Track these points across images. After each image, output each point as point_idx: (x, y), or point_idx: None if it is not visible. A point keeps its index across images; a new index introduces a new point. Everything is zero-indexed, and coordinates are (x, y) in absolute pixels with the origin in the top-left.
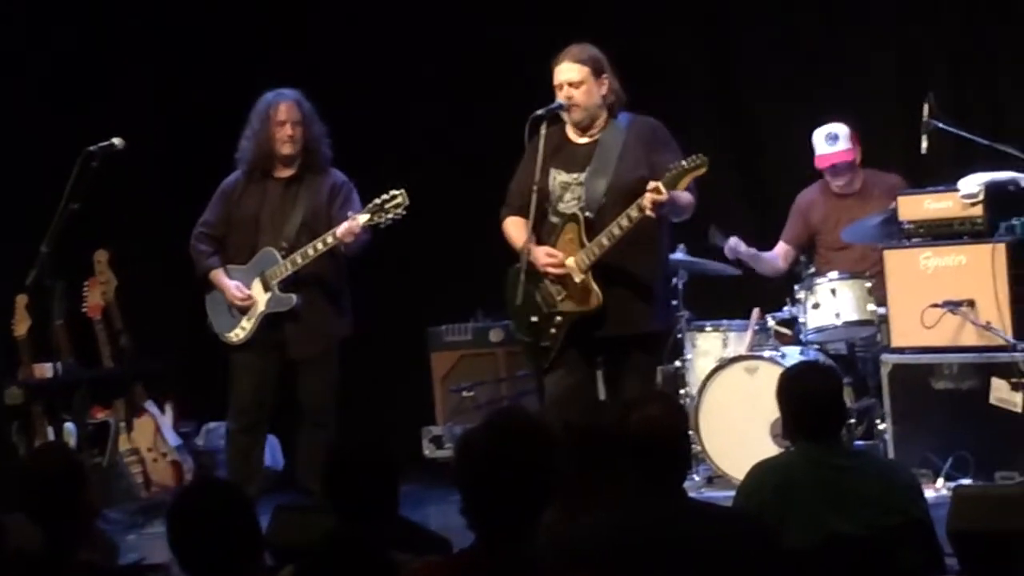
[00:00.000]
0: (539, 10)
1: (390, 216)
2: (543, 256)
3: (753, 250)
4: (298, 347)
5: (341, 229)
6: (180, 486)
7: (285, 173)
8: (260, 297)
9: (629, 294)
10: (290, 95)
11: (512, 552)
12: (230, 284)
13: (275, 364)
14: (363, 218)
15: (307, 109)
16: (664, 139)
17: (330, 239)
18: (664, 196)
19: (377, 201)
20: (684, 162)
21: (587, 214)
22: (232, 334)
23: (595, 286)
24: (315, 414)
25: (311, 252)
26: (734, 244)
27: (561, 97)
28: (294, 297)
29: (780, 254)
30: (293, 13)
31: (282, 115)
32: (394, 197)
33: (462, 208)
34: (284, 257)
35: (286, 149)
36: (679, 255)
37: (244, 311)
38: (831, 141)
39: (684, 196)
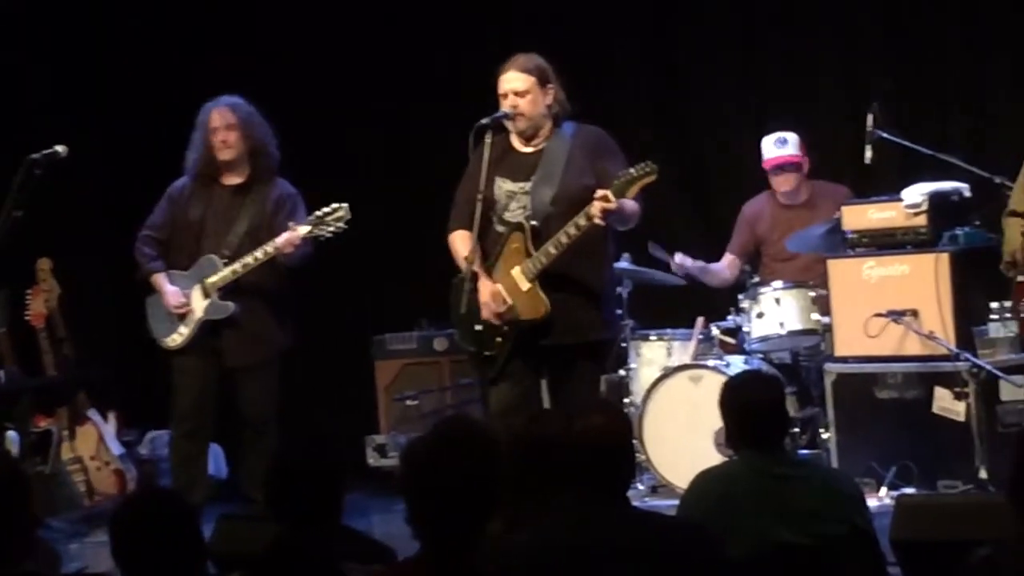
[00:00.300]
0: (483, 21)
1: (331, 229)
2: (488, 296)
3: (700, 263)
4: (235, 355)
5: (280, 240)
6: (123, 495)
7: (233, 180)
8: (199, 304)
9: (576, 302)
10: (225, 101)
11: (457, 561)
12: (169, 290)
13: (214, 370)
14: (303, 229)
15: (245, 113)
16: (609, 148)
17: (270, 249)
18: (613, 204)
19: (319, 213)
20: (633, 170)
21: (533, 223)
22: (169, 339)
23: (542, 294)
24: (254, 423)
25: (251, 261)
26: (680, 260)
27: (506, 106)
28: (231, 305)
29: (727, 265)
30: (240, 22)
31: (215, 122)
32: (336, 210)
33: (407, 217)
34: (225, 265)
35: (224, 155)
36: (624, 264)
37: (182, 317)
38: (780, 144)
39: (630, 205)
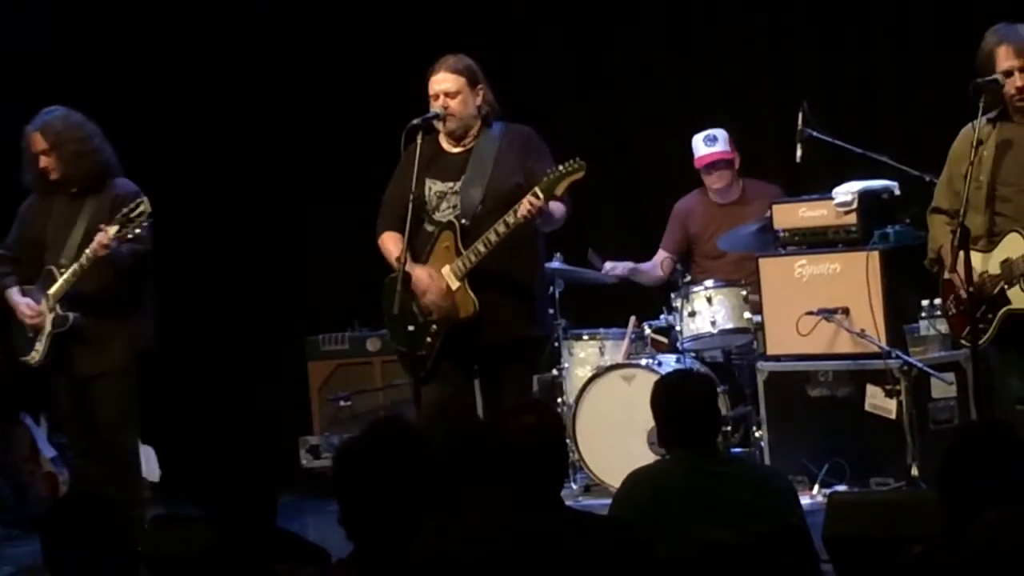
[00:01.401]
0: (413, 21)
1: (134, 226)
2: (425, 280)
3: (630, 264)
4: (81, 366)
5: (94, 243)
6: (55, 498)
7: (70, 189)
8: (47, 318)
9: (506, 301)
10: (38, 122)
11: (390, 562)
12: (20, 301)
13: (75, 384)
14: (112, 230)
15: (54, 133)
16: (538, 146)
17: (89, 254)
18: (542, 201)
19: (124, 211)
20: (561, 167)
21: (463, 222)
22: (29, 357)
23: (471, 293)
24: (102, 430)
25: (78, 269)
26: (608, 268)
27: (437, 107)
28: (71, 316)
29: (659, 262)
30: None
31: (32, 147)
32: (138, 205)
33: (339, 218)
34: (61, 275)
35: (51, 176)
36: (556, 264)
37: (37, 331)
38: (710, 142)
39: (557, 206)
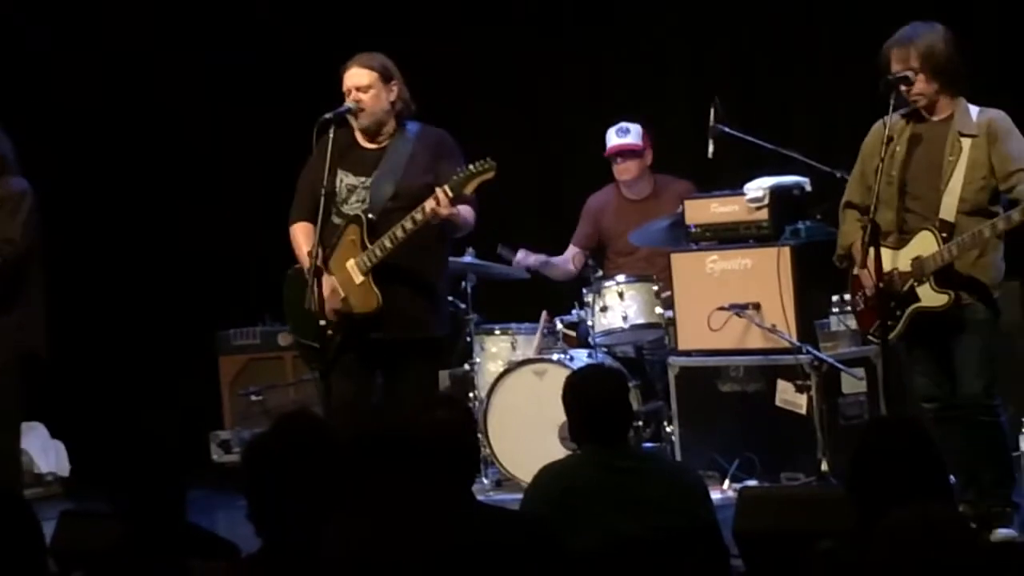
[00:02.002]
0: (327, 16)
1: None
2: (328, 292)
3: (542, 257)
4: None
5: None
6: None
7: None
8: None
9: (410, 298)
10: None
11: (299, 557)
12: None
13: None
14: None
15: None
16: (451, 149)
17: None
18: (450, 198)
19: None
20: (472, 166)
21: (370, 216)
22: None
23: (375, 288)
24: None
25: None
26: (521, 258)
27: (349, 101)
28: None
29: (570, 257)
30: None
31: None
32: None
33: (248, 212)
34: None
35: None
36: (468, 258)
37: None
38: (622, 133)
39: (467, 210)
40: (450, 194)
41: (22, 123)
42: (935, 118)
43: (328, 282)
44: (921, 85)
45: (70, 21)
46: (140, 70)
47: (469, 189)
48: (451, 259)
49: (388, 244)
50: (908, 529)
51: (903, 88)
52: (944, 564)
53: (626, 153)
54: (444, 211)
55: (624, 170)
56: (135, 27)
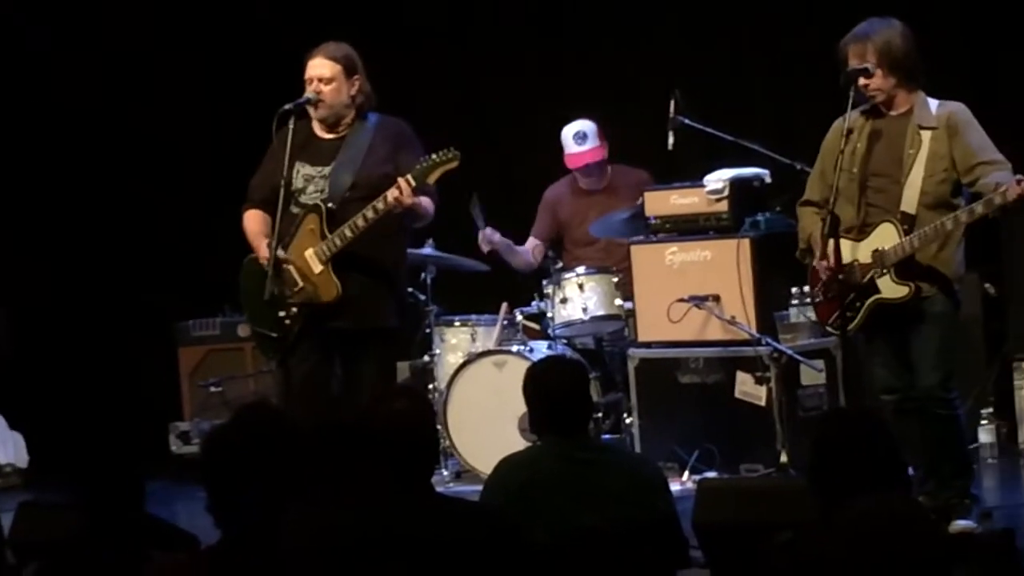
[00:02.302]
0: (286, 9)
1: None
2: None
3: (508, 241)
4: None
5: None
6: None
7: None
8: None
9: (369, 288)
10: None
11: (258, 548)
12: None
13: None
14: None
15: None
16: (410, 139)
17: None
18: (412, 188)
19: None
20: (435, 156)
21: (329, 205)
22: None
23: (334, 277)
24: None
25: None
26: (489, 234)
27: (311, 91)
28: None
29: (530, 249)
30: None
31: None
32: None
33: (208, 202)
34: None
35: None
36: (428, 250)
37: None
38: (580, 141)
39: (425, 201)
40: (413, 183)
41: None
42: (894, 113)
43: (287, 271)
44: (879, 80)
45: None
46: (90, 62)
47: (432, 179)
48: (411, 251)
49: (348, 233)
50: (868, 520)
51: (862, 82)
52: (904, 555)
53: (590, 167)
54: (407, 200)
55: (586, 183)
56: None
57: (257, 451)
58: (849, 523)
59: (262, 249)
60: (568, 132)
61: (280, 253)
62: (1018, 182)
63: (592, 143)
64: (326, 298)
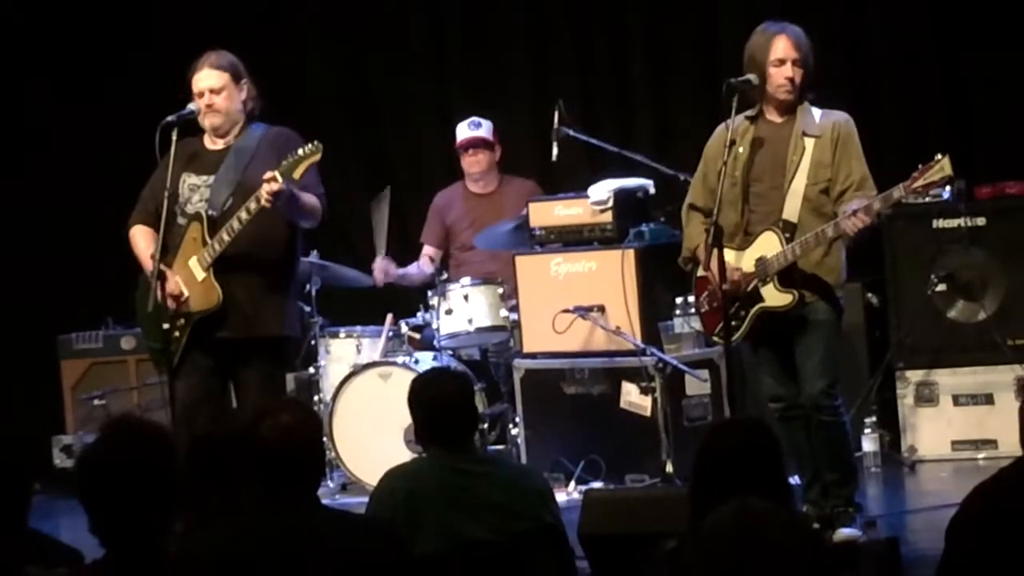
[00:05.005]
0: (165, 18)
1: None
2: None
3: (399, 271)
4: None
5: None
6: None
7: None
8: None
9: (256, 297)
10: None
11: (142, 563)
12: None
13: None
14: None
15: None
16: (296, 145)
17: None
18: (280, 185)
19: None
20: (300, 150)
21: (211, 213)
22: None
23: (216, 284)
24: None
25: None
26: (385, 266)
27: (202, 104)
28: None
29: (426, 257)
30: None
31: None
32: None
33: (91, 214)
34: None
35: None
36: (313, 259)
37: None
38: (474, 127)
39: (308, 197)
40: (280, 179)
41: None
42: (778, 120)
43: (172, 281)
44: (800, 75)
45: None
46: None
47: (298, 173)
48: None
49: (226, 237)
50: (724, 524)
51: (787, 73)
52: (759, 555)
53: (478, 143)
54: (275, 186)
55: (474, 162)
56: None
57: (129, 467)
58: (707, 529)
59: (148, 264)
60: (463, 123)
61: (162, 267)
62: (851, 214)
63: (486, 132)
64: (207, 306)
